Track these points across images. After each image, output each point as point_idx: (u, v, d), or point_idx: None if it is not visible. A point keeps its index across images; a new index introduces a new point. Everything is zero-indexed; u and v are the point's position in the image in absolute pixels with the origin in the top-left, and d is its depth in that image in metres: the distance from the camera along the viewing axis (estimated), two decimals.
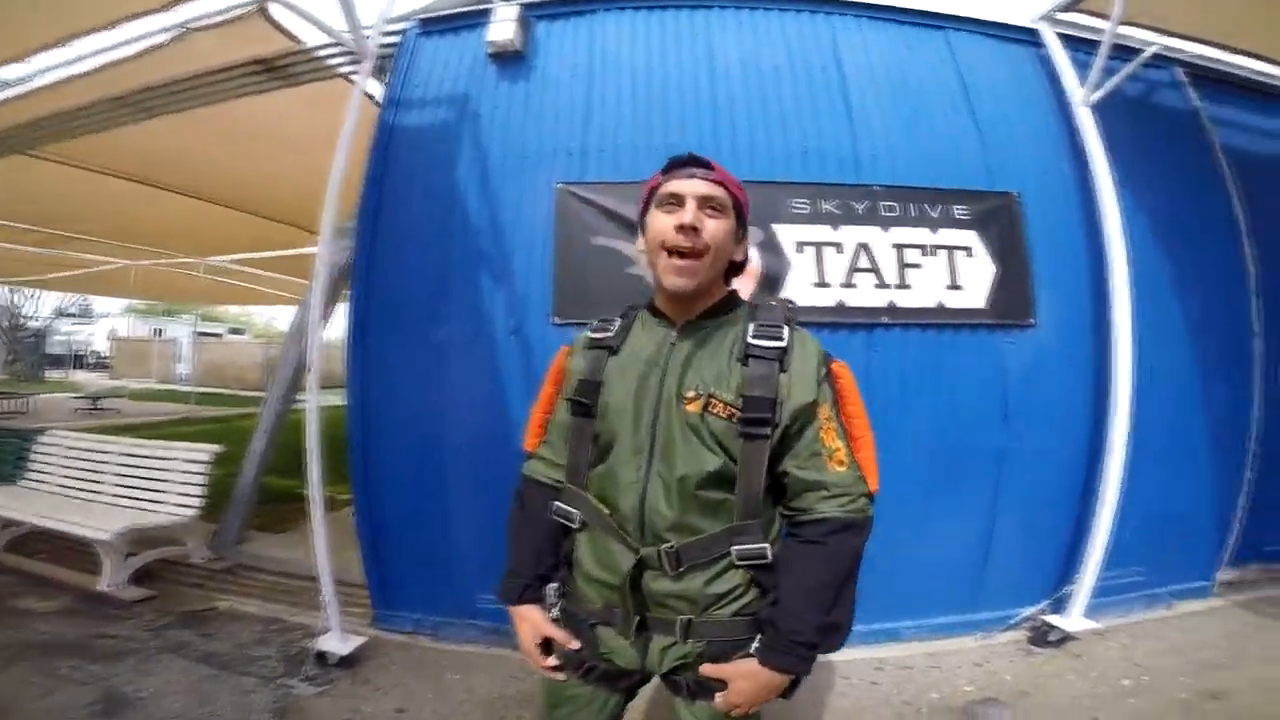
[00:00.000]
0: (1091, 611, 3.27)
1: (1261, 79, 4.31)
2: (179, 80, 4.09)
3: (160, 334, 28.80)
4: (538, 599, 1.37)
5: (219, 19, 3.49)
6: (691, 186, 1.24)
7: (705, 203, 1.23)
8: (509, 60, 3.61)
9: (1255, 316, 3.82)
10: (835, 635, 1.19)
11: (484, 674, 2.99)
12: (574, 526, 1.33)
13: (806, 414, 1.20)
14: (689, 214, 1.21)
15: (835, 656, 3.08)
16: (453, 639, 3.30)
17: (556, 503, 1.37)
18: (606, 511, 1.26)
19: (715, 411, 1.19)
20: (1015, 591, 3.43)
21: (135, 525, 3.75)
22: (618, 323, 1.39)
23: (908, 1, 3.84)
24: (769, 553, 1.21)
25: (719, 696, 1.20)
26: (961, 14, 3.85)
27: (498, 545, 3.29)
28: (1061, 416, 3.45)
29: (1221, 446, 3.74)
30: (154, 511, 4.02)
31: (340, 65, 3.87)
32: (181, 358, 23.09)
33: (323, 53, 3.88)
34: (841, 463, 1.21)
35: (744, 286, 3.16)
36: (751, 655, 1.19)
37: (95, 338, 30.19)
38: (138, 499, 4.13)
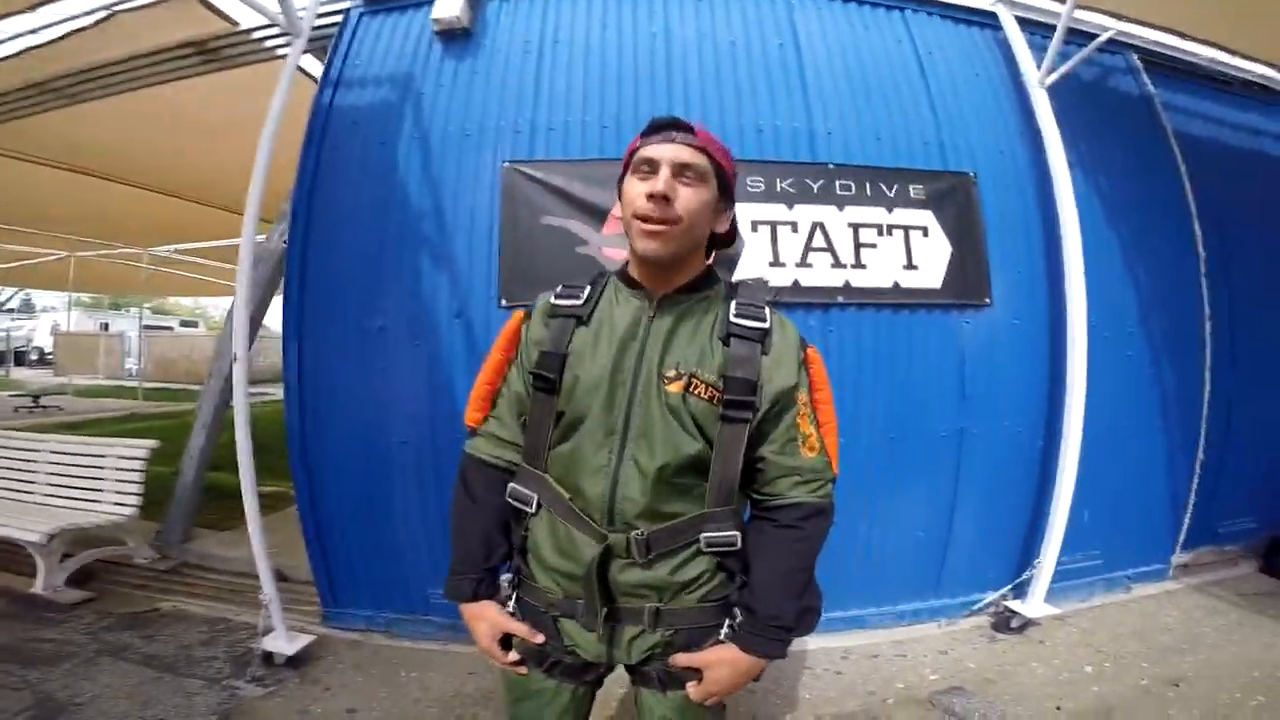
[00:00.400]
0: (1052, 596, 3.28)
1: (1214, 67, 4.37)
2: (105, 65, 3.93)
3: (106, 328, 27.79)
4: (491, 593, 1.28)
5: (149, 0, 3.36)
6: (670, 152, 1.14)
7: (681, 170, 1.14)
8: (456, 38, 3.49)
9: (1204, 301, 3.87)
10: (810, 617, 1.22)
11: (440, 671, 2.92)
12: (529, 511, 1.24)
13: (786, 398, 1.17)
14: (661, 182, 1.11)
15: (800, 646, 3.08)
16: (406, 636, 3.21)
17: (512, 484, 1.26)
18: (567, 496, 1.18)
19: (697, 393, 1.14)
20: (977, 577, 3.44)
21: (69, 525, 3.56)
22: (586, 290, 1.27)
23: None
24: (739, 540, 1.17)
25: (691, 686, 1.17)
26: None
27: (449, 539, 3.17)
28: (1018, 398, 3.46)
29: (1174, 429, 3.79)
30: (89, 511, 3.84)
31: (278, 47, 3.74)
32: (130, 352, 22.25)
33: (259, 34, 3.74)
34: (813, 449, 1.19)
35: None
36: (722, 641, 1.17)
37: (37, 333, 29.03)
38: (72, 498, 3.95)
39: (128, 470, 3.89)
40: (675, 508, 1.15)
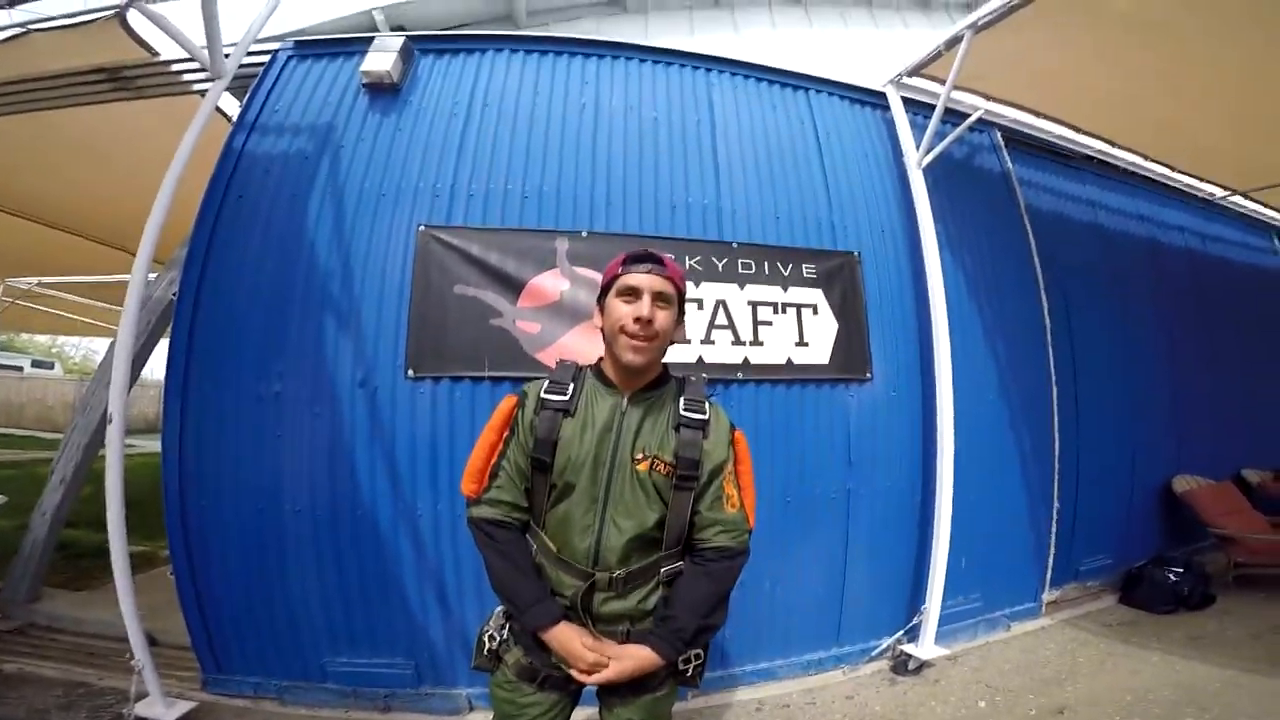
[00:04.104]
0: (941, 638, 3.49)
1: (1059, 143, 4.88)
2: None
3: None
4: (561, 616, 1.52)
5: (70, 22, 3.17)
6: (648, 282, 1.51)
7: (657, 297, 1.51)
8: (384, 92, 3.46)
9: (1051, 365, 4.31)
10: (707, 634, 1.53)
11: None
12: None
13: (718, 470, 1.55)
14: (645, 308, 1.49)
15: (717, 700, 3.20)
16: (302, 703, 3.03)
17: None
18: (554, 549, 1.52)
19: (658, 469, 1.51)
20: (873, 624, 3.59)
21: None
22: (570, 387, 1.58)
23: (778, 61, 4.04)
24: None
25: (610, 668, 1.46)
26: (823, 76, 4.09)
27: (349, 607, 3.03)
28: (898, 460, 3.69)
29: (1032, 481, 4.17)
30: None
31: (194, 81, 3.60)
32: None
33: (177, 66, 3.60)
34: (735, 506, 1.55)
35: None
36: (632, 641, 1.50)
37: None
38: None
39: None
40: (642, 554, 1.51)
